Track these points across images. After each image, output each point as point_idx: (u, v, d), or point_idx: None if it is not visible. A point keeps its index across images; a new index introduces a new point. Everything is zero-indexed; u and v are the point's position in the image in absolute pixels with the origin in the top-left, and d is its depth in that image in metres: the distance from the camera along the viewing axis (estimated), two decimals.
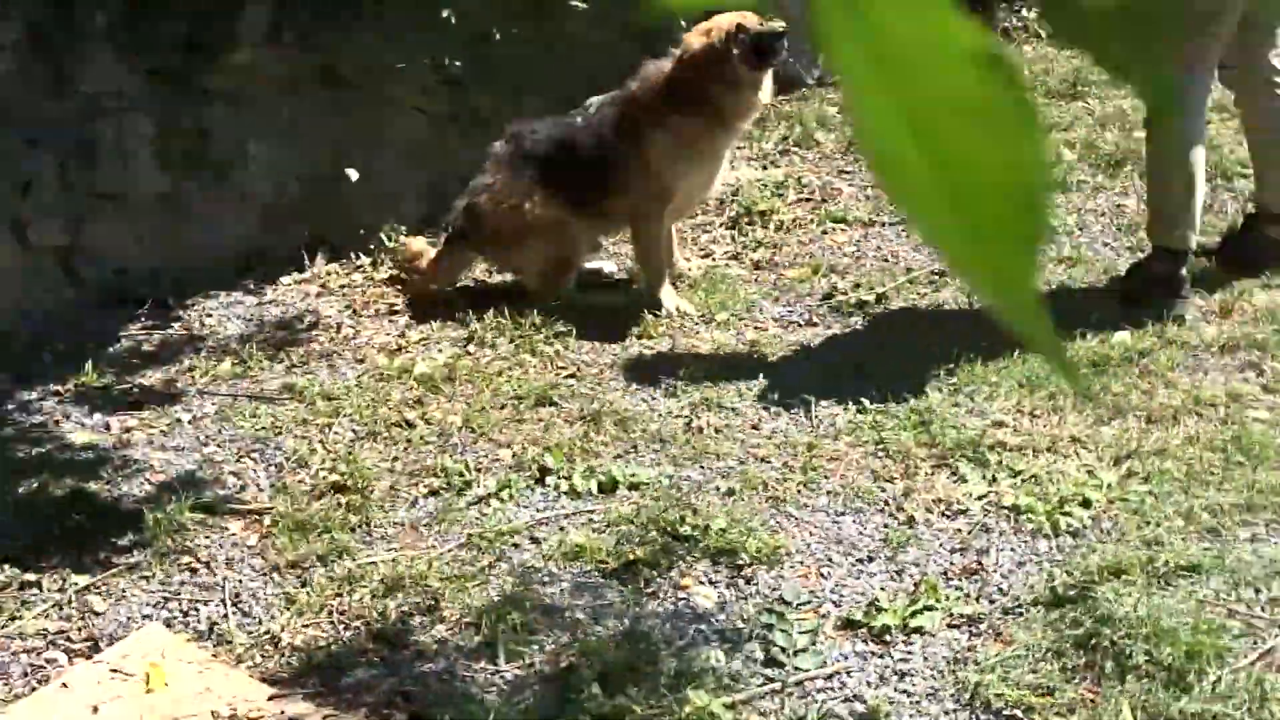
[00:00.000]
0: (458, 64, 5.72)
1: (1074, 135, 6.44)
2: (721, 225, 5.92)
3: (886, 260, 5.50)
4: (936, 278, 5.29)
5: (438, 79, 5.79)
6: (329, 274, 5.67)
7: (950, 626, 3.47)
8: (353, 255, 5.73)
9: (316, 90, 5.57)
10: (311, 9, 5.46)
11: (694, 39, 5.14)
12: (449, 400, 4.66)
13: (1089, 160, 6.21)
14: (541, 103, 5.63)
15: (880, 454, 4.19)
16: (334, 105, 5.63)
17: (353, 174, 5.68)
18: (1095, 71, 6.98)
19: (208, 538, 3.97)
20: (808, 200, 6.12)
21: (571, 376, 4.77)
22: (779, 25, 5.17)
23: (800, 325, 5.06)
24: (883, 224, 5.80)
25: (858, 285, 5.25)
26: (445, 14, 5.53)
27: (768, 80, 5.22)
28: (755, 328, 5.05)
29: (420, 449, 4.40)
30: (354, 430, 4.52)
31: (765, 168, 6.27)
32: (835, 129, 6.81)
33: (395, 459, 4.36)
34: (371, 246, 5.73)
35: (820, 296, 5.22)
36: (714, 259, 5.66)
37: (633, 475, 4.13)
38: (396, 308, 5.39)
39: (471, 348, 5.01)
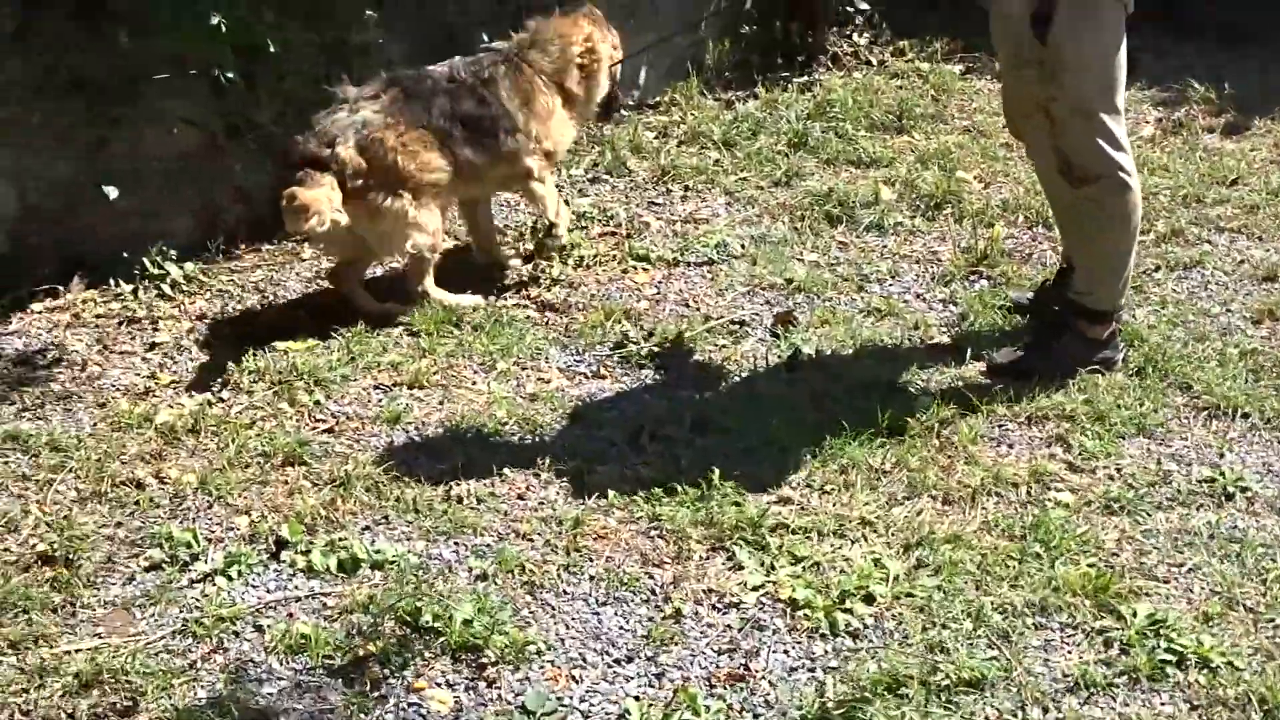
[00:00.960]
0: (229, 75, 5.24)
1: (895, 173, 6.14)
2: (515, 257, 5.51)
3: (687, 305, 5.14)
4: (737, 327, 4.94)
5: (209, 90, 5.30)
6: (84, 302, 5.15)
7: None
8: (112, 281, 5.22)
9: (70, 99, 5.06)
10: (64, 10, 4.95)
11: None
12: (189, 455, 4.20)
13: (908, 200, 5.92)
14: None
15: (653, 533, 3.82)
16: (90, 115, 5.12)
17: (112, 191, 5.17)
18: (922, 104, 6.73)
19: None
20: (613, 234, 5.74)
21: (329, 431, 4.34)
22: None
23: (587, 378, 4.67)
24: (688, 264, 5.45)
25: (651, 334, 4.88)
26: (215, 21, 5.06)
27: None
28: (538, 378, 4.65)
29: (148, 513, 3.94)
30: (78, 489, 4.04)
31: (568, 200, 5.86)
32: (650, 156, 6.45)
33: (119, 524, 3.89)
34: (135, 272, 5.23)
35: (612, 345, 4.84)
36: (504, 297, 5.25)
37: (378, 552, 3.71)
38: (157, 341, 4.91)
39: (226, 393, 4.55)
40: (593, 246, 5.61)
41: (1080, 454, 4.15)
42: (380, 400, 4.50)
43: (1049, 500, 3.93)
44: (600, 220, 5.87)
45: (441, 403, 4.49)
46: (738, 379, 4.66)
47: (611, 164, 6.38)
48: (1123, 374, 4.52)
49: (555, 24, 5.39)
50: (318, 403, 4.46)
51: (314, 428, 4.35)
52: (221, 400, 4.51)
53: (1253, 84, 7.13)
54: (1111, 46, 4.20)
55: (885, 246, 5.56)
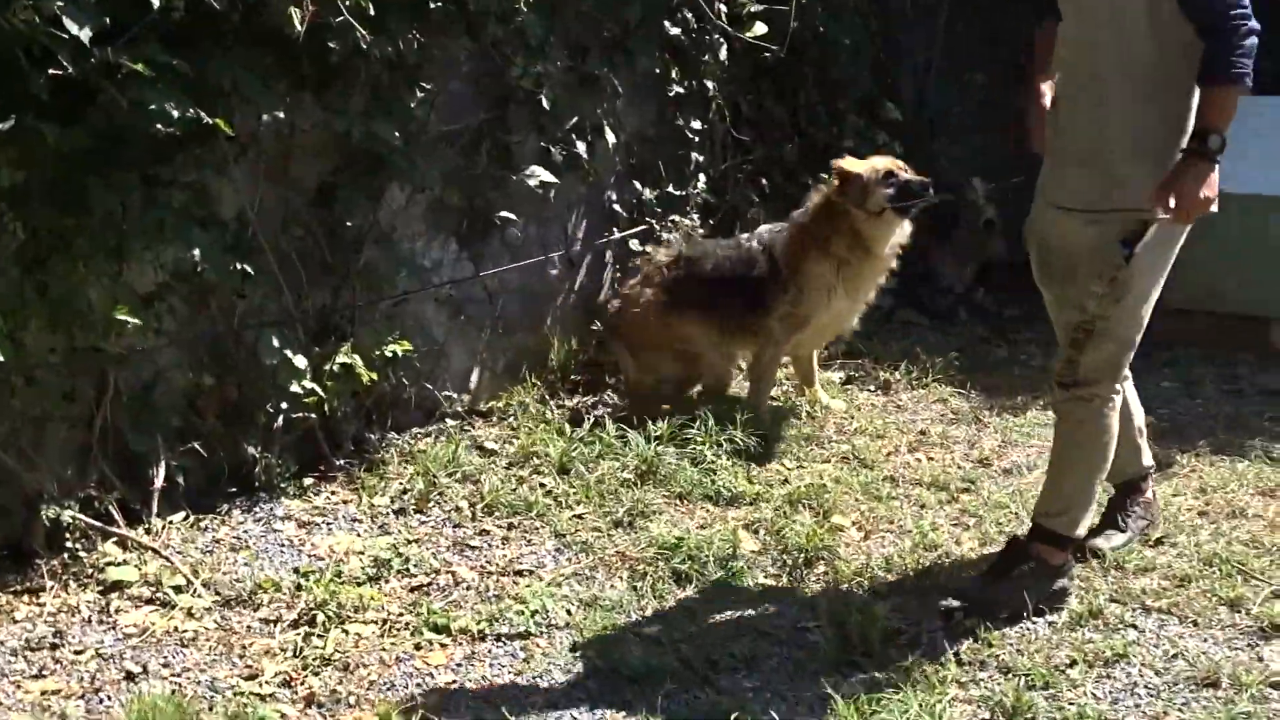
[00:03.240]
0: None
1: (759, 514, 5.15)
2: (283, 629, 4.40)
3: (486, 701, 4.04)
4: None
5: None
6: None
7: None
8: None
9: None
10: None
11: (848, 165, 6.03)
12: None
13: (773, 552, 4.92)
14: None
15: None
16: None
17: None
18: (794, 425, 5.79)
19: None
20: (413, 590, 4.66)
21: None
22: (926, 178, 6.00)
23: None
24: (497, 638, 4.37)
25: None
26: None
27: (905, 226, 6.06)
28: None
29: None
30: None
31: (361, 536, 4.79)
32: (472, 479, 5.42)
33: None
34: None
35: None
36: (260, 682, 4.12)
37: None
38: None
39: None
40: (383, 608, 4.52)
41: None
42: None
43: None
44: (399, 570, 4.79)
45: None
46: None
47: (424, 490, 5.33)
48: None
49: None
50: None
51: None
52: None
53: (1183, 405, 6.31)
54: (1162, 281, 4.36)
55: (743, 618, 4.52)
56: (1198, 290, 7.07)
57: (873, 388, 6.62)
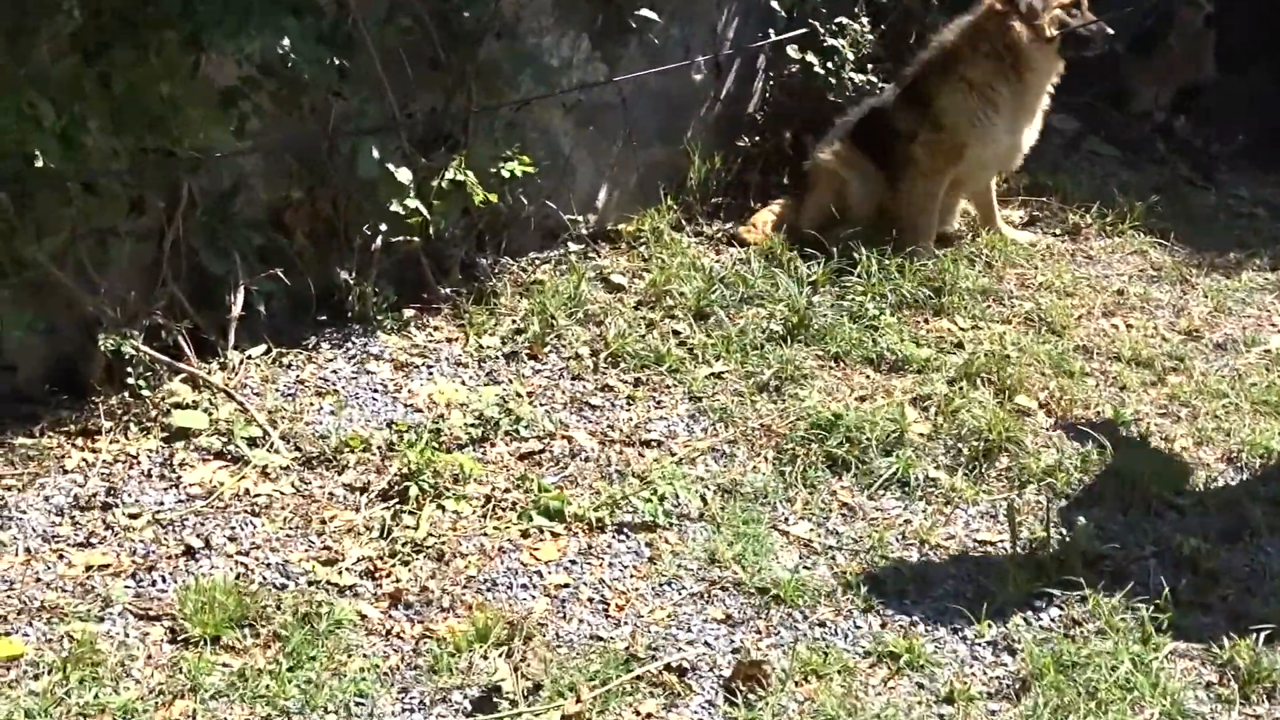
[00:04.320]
0: None
1: (930, 387, 4.37)
2: (370, 500, 3.75)
3: (606, 614, 3.38)
4: (675, 679, 3.17)
5: None
6: None
7: None
8: None
9: None
10: None
11: None
12: None
13: (945, 438, 4.16)
14: None
15: None
16: None
17: None
18: (970, 274, 5.00)
19: None
20: (523, 459, 3.99)
21: None
22: (1109, 29, 5.29)
23: None
24: (618, 530, 3.69)
25: (539, 688, 3.11)
26: None
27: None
28: None
29: None
30: None
31: (466, 385, 4.13)
32: (596, 320, 4.71)
33: None
34: None
35: (473, 699, 3.08)
36: (340, 569, 3.49)
37: None
38: None
39: None
40: (487, 481, 3.86)
41: None
42: None
43: None
44: (507, 431, 4.11)
45: None
46: None
47: (540, 332, 4.62)
48: None
49: None
50: None
51: None
52: None
53: None
54: None
55: (910, 524, 3.79)
56: None
57: (1059, 231, 5.72)
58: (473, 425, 4.12)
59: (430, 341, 4.61)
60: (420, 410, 4.21)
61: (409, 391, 4.32)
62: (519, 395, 4.31)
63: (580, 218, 5.29)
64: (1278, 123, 6.71)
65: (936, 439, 4.16)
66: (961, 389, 4.37)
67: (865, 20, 5.77)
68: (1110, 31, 5.27)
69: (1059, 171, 6.22)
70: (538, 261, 5.15)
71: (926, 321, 4.88)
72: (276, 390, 4.22)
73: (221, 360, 4.27)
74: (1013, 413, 4.27)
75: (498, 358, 4.54)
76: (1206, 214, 6.09)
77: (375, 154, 4.40)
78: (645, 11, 5.01)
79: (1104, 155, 6.63)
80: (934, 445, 4.13)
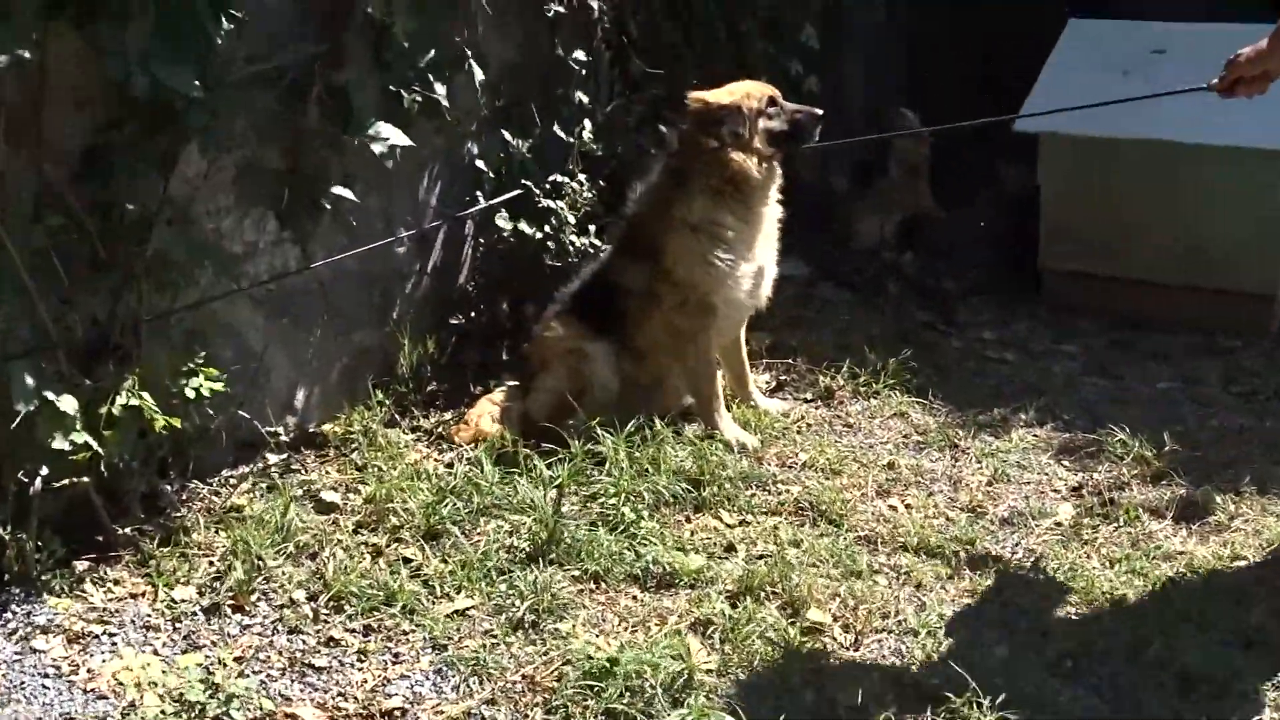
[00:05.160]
0: None
1: (708, 606, 3.78)
2: None
3: None
4: None
5: None
6: None
7: None
8: None
9: None
10: None
11: (714, 96, 4.76)
12: None
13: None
14: None
15: None
16: None
17: None
18: (730, 458, 4.48)
19: None
20: None
21: None
22: (818, 110, 4.89)
23: None
24: None
25: None
26: None
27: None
28: None
29: None
30: None
31: (159, 654, 3.31)
32: (316, 552, 3.97)
33: None
34: None
35: None
36: None
37: None
38: None
39: None
40: None
41: None
42: None
43: None
44: (215, 717, 3.34)
45: None
46: None
47: (245, 577, 3.87)
48: None
49: None
50: None
51: None
52: None
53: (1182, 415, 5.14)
54: None
55: None
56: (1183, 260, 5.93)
57: (810, 395, 5.27)
58: (172, 714, 3.33)
59: (111, 601, 3.80)
60: (105, 697, 3.41)
61: (89, 671, 3.51)
62: (225, 664, 3.54)
63: (278, 425, 4.56)
64: (1008, 254, 6.48)
65: (727, 673, 3.56)
66: (742, 605, 3.80)
67: (583, 178, 5.24)
68: (819, 112, 4.87)
69: (799, 325, 5.79)
70: (233, 481, 4.40)
71: (689, 519, 4.32)
72: None
73: None
74: (806, 631, 3.72)
75: (195, 613, 3.77)
76: (956, 362, 5.72)
77: (29, 380, 3.60)
78: (339, 189, 4.33)
79: (838, 301, 6.25)
80: (725, 681, 3.53)
